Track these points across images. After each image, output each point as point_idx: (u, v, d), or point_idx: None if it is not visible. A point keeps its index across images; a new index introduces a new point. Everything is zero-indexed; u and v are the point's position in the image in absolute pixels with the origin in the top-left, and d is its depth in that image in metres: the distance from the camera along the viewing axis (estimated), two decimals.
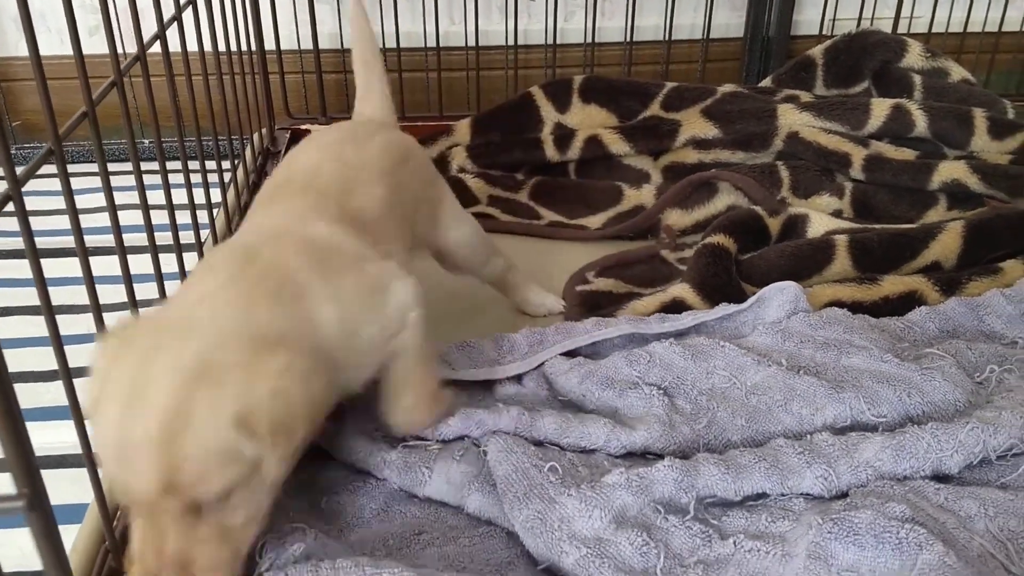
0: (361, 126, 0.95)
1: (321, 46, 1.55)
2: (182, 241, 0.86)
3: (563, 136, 1.38)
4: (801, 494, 0.72)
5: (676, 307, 0.99)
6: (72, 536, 0.63)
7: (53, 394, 0.99)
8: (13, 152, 1.10)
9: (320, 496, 0.77)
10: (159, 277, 0.78)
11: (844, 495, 0.72)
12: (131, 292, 0.69)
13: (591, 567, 0.65)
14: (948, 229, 1.09)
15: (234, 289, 0.62)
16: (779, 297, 0.95)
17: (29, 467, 0.29)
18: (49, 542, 0.31)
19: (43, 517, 0.29)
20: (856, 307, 0.97)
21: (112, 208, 0.66)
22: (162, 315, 0.61)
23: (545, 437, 0.78)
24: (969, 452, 0.73)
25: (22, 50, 1.49)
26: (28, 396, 1.00)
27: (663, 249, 1.19)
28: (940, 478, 0.73)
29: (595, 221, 1.29)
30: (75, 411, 0.56)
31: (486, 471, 0.75)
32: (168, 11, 0.88)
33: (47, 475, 0.40)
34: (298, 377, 0.57)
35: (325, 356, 0.63)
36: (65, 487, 0.81)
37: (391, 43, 1.55)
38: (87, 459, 0.59)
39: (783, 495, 0.73)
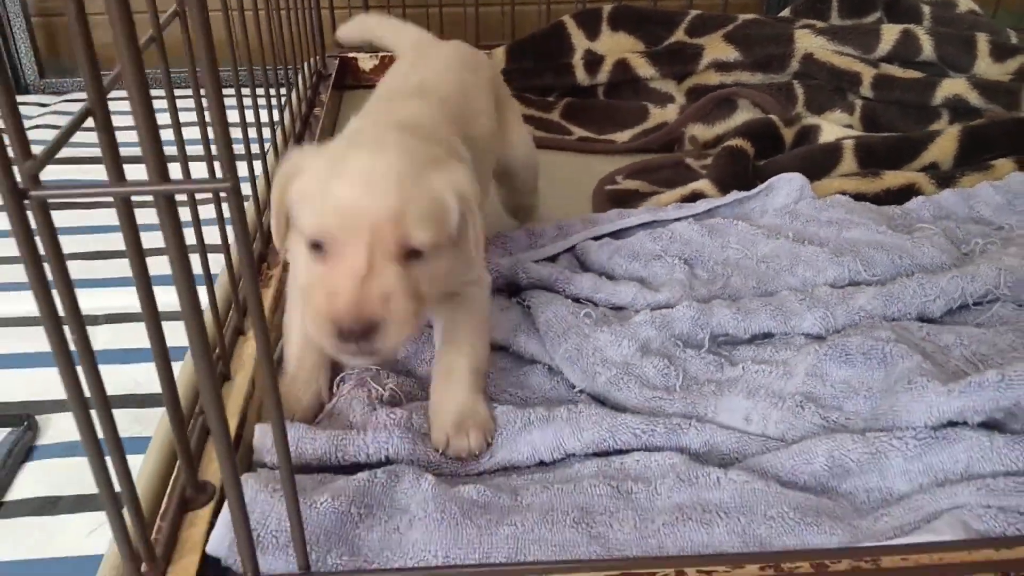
0: (468, 50, 1.03)
1: None
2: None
3: (592, 61, 1.49)
4: (802, 333, 0.84)
5: (694, 199, 1.10)
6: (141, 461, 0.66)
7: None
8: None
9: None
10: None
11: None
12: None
13: (620, 383, 0.78)
14: (946, 133, 1.19)
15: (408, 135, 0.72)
16: (786, 186, 1.06)
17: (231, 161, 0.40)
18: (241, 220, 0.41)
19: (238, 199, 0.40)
20: (859, 197, 1.08)
21: (177, 126, 0.72)
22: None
23: (580, 292, 0.90)
24: (950, 297, 0.84)
25: None
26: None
27: (688, 158, 1.30)
28: (926, 320, 0.85)
29: (623, 136, 1.40)
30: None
31: (529, 320, 0.87)
32: None
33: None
34: (474, 183, 0.69)
35: None
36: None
37: None
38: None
39: (787, 334, 0.84)
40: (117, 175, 0.45)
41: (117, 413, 0.50)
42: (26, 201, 0.39)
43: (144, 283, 0.50)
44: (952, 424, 0.68)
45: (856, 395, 0.74)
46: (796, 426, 0.72)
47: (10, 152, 0.39)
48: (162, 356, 0.54)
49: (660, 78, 1.48)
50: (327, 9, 1.62)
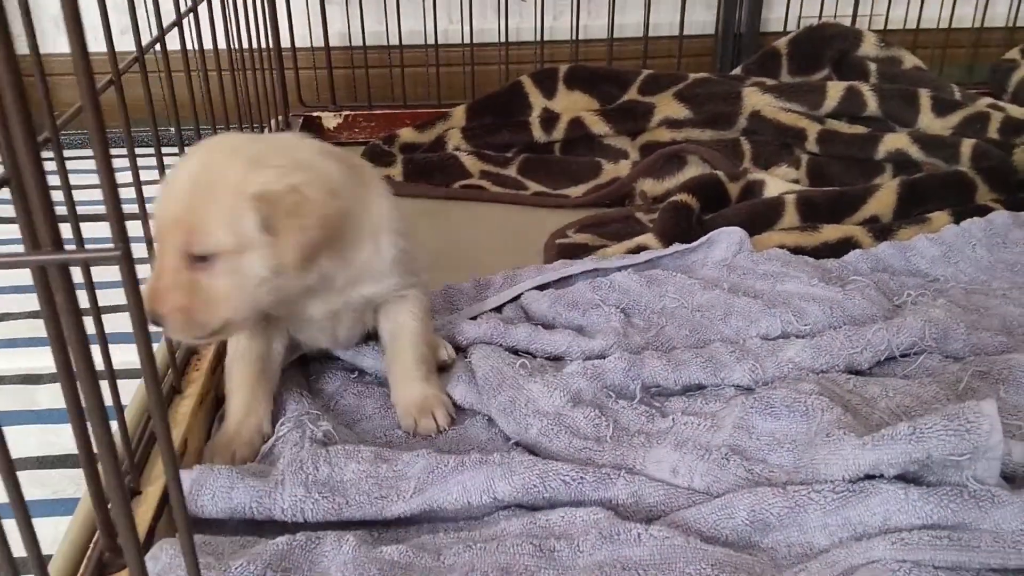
0: None
1: (331, 43, 1.70)
2: None
3: (549, 119, 1.52)
4: (733, 385, 0.85)
5: (639, 251, 1.12)
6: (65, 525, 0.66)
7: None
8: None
9: (330, 399, 0.90)
10: None
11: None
12: None
13: (551, 434, 0.79)
14: (885, 187, 1.23)
15: (318, 148, 0.78)
16: (726, 240, 1.09)
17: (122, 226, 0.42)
18: (133, 288, 0.43)
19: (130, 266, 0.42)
20: (799, 251, 1.10)
21: (137, 183, 0.76)
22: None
23: (517, 344, 0.92)
24: (876, 349, 0.86)
25: (59, 47, 1.64)
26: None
27: (638, 212, 1.33)
28: (854, 372, 0.86)
29: (577, 191, 1.43)
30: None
31: (468, 371, 0.89)
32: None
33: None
34: (321, 197, 0.71)
35: (353, 224, 0.77)
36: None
37: (395, 40, 1.71)
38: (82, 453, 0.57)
39: (717, 386, 0.86)
40: (32, 245, 0.46)
41: (53, 473, 0.50)
42: None
43: (59, 345, 0.51)
44: (870, 477, 0.70)
45: (780, 447, 0.75)
46: (721, 479, 0.73)
47: None
48: (78, 421, 0.55)
49: (614, 135, 1.52)
50: (291, 70, 1.66)
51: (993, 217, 1.14)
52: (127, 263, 0.43)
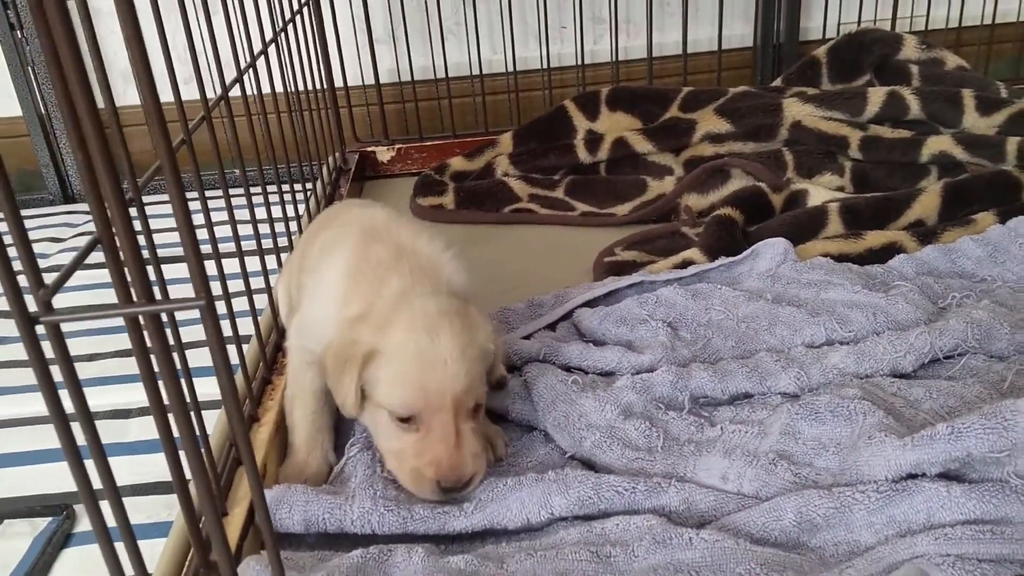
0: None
1: (381, 80, 1.78)
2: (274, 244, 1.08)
3: (593, 140, 1.57)
4: (779, 393, 0.88)
5: (685, 266, 1.16)
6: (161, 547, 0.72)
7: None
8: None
9: None
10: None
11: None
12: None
13: (604, 446, 0.83)
14: (929, 190, 1.24)
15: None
16: (770, 251, 1.11)
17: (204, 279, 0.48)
18: (215, 329, 0.49)
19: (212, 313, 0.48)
20: (842, 258, 1.12)
21: (209, 223, 0.82)
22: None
23: (569, 361, 0.96)
24: (919, 352, 0.88)
25: (128, 99, 1.75)
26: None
27: (683, 227, 1.36)
28: (899, 376, 0.88)
29: (623, 209, 1.47)
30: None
31: (524, 388, 0.93)
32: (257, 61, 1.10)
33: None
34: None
35: None
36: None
37: (441, 73, 1.78)
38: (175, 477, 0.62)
39: (763, 394, 0.89)
40: (125, 297, 0.53)
41: (146, 500, 0.57)
42: (38, 326, 0.47)
43: (151, 383, 0.57)
44: (912, 476, 0.72)
45: (826, 451, 0.78)
46: (769, 483, 0.76)
47: (23, 280, 0.47)
48: (171, 452, 0.61)
49: (657, 152, 1.56)
50: (345, 108, 1.74)
51: None
52: (210, 310, 0.49)
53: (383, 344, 0.77)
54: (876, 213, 1.23)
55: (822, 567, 0.69)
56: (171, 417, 0.60)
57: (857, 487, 0.72)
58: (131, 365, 1.19)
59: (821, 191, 1.33)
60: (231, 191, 0.89)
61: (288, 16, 1.31)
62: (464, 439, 0.77)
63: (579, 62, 1.78)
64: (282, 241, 1.13)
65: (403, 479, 0.79)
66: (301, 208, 1.28)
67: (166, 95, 0.73)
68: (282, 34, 1.25)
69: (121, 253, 0.52)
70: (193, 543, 0.68)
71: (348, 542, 0.77)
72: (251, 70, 1.08)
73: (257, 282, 0.98)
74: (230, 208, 0.89)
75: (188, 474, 0.71)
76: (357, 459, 0.86)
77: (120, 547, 0.56)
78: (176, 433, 0.61)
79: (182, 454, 0.72)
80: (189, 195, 0.52)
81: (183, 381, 0.61)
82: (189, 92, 0.88)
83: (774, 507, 0.73)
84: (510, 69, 1.77)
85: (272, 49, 1.17)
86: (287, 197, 1.18)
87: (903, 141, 1.40)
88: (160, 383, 0.57)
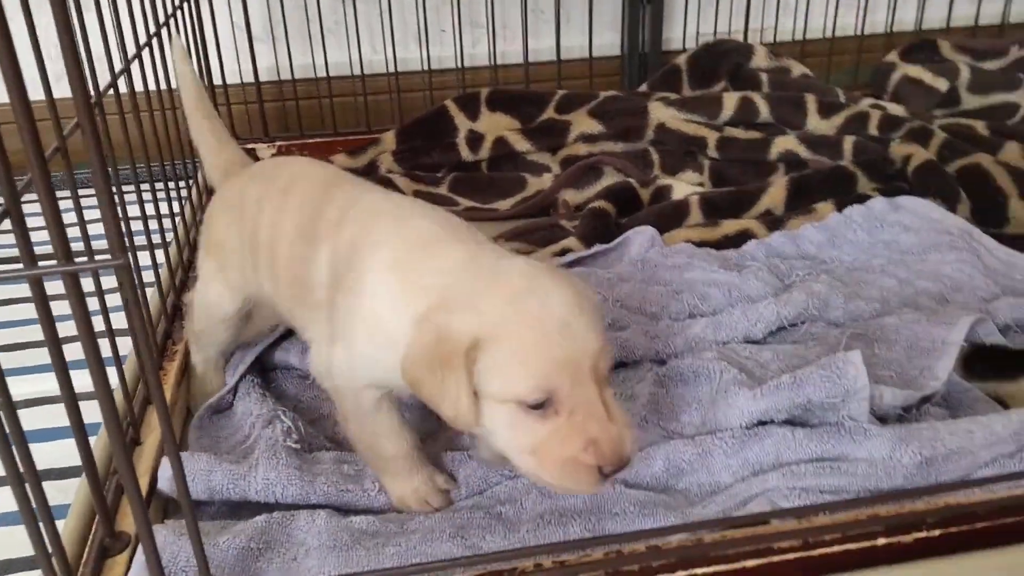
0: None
1: (261, 78, 1.79)
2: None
3: (474, 139, 1.64)
4: (649, 360, 0.97)
5: (563, 254, 1.24)
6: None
7: None
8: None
9: (290, 402, 0.99)
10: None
11: None
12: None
13: None
14: (776, 184, 1.37)
15: None
16: (639, 238, 1.21)
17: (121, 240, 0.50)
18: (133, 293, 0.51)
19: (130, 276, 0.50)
20: (702, 244, 1.23)
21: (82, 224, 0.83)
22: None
23: None
24: (768, 321, 0.99)
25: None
26: None
27: (561, 220, 1.45)
28: (751, 342, 0.99)
29: (505, 204, 1.54)
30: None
31: None
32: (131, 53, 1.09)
33: None
34: None
35: None
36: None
37: (322, 73, 1.80)
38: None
39: (635, 363, 0.97)
40: (29, 258, 0.55)
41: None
42: None
43: (60, 363, 0.60)
44: (763, 423, 0.82)
45: (689, 407, 0.87)
46: (641, 439, 0.84)
47: None
48: (79, 429, 0.63)
49: (536, 151, 1.64)
50: (224, 106, 1.73)
51: (872, 203, 1.28)
52: (127, 274, 0.52)
53: (484, 326, 0.62)
54: (731, 204, 1.35)
55: (688, 505, 0.77)
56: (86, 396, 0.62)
57: (716, 435, 0.81)
58: (13, 358, 1.18)
59: (683, 186, 1.44)
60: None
61: (163, 16, 1.31)
62: (613, 409, 0.63)
63: (458, 65, 1.85)
64: (158, 238, 1.12)
65: (552, 477, 0.64)
66: (176, 207, 1.28)
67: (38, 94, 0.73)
68: (159, 33, 1.25)
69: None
70: (99, 513, 0.70)
71: (251, 511, 0.80)
72: (128, 69, 1.09)
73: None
74: (112, 205, 0.89)
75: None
76: (260, 435, 0.88)
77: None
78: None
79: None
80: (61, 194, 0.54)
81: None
82: (61, 89, 0.87)
83: (645, 456, 0.81)
84: (391, 70, 1.82)
85: (152, 46, 1.17)
86: (167, 194, 1.19)
87: (754, 141, 1.54)
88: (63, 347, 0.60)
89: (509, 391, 0.63)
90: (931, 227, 1.23)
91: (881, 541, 0.69)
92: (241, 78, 1.79)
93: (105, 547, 0.71)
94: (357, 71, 1.81)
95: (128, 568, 0.69)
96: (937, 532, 0.70)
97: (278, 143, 1.76)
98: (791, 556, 0.69)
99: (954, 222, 1.23)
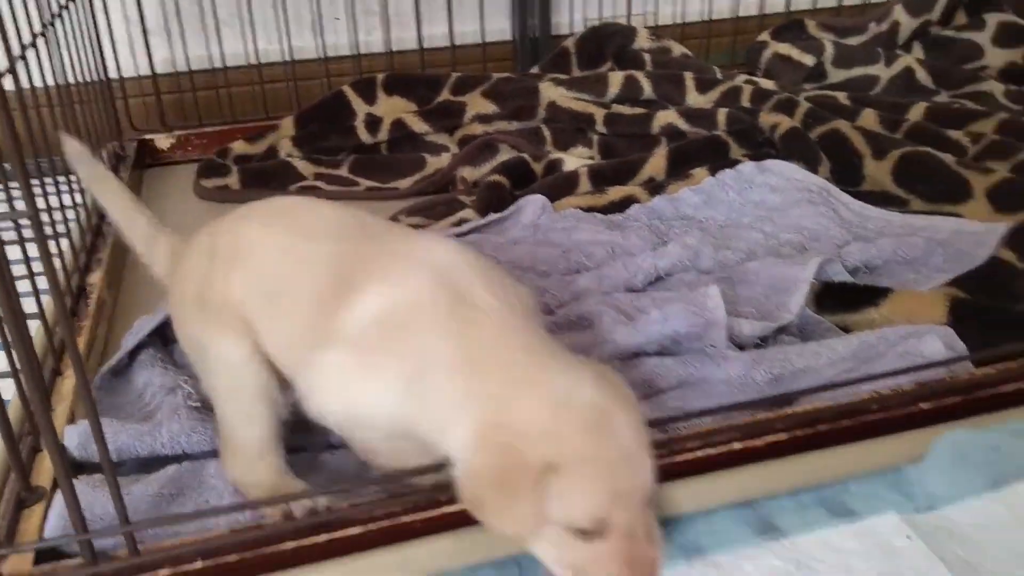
0: None
1: (158, 70, 1.80)
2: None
3: (373, 122, 1.69)
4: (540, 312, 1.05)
5: (461, 224, 1.31)
6: None
7: None
8: None
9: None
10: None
11: None
12: None
13: None
14: (657, 154, 1.48)
15: None
16: (531, 206, 1.29)
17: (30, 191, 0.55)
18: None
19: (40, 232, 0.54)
20: (590, 210, 1.32)
21: None
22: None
23: None
24: (646, 272, 1.08)
25: None
26: None
27: (460, 195, 1.52)
28: (632, 291, 1.08)
29: (405, 183, 1.60)
30: None
31: None
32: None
33: None
34: None
35: None
36: None
37: (218, 64, 1.83)
38: None
39: None
40: None
41: None
42: None
43: None
44: (637, 355, 0.91)
45: (576, 349, 0.95)
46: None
47: None
48: None
49: (433, 132, 1.70)
50: (121, 99, 1.74)
51: (741, 167, 1.40)
52: (37, 228, 0.56)
53: (559, 455, 0.61)
54: (617, 174, 1.45)
55: None
56: None
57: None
58: None
59: (574, 159, 1.53)
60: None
61: (57, 8, 1.32)
62: (653, 533, 0.64)
63: (354, 52, 1.90)
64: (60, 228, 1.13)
65: None
66: (79, 198, 1.30)
67: None
68: (51, 26, 1.27)
69: None
70: (14, 468, 0.74)
71: (159, 468, 0.84)
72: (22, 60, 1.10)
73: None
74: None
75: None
76: (162, 402, 0.92)
77: None
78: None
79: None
80: None
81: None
82: None
83: None
84: (287, 59, 1.85)
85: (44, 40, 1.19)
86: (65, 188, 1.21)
87: (639, 117, 1.64)
88: None
89: (565, 517, 0.62)
90: (794, 186, 1.35)
91: (736, 446, 0.79)
92: (137, 71, 1.80)
93: (21, 499, 0.74)
94: (253, 61, 1.84)
95: (44, 518, 0.73)
96: (784, 436, 0.80)
97: (176, 132, 1.78)
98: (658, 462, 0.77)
99: (814, 181, 1.36)
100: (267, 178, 1.59)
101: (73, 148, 0.91)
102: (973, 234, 1.21)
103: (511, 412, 0.64)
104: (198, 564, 0.68)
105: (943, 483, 0.80)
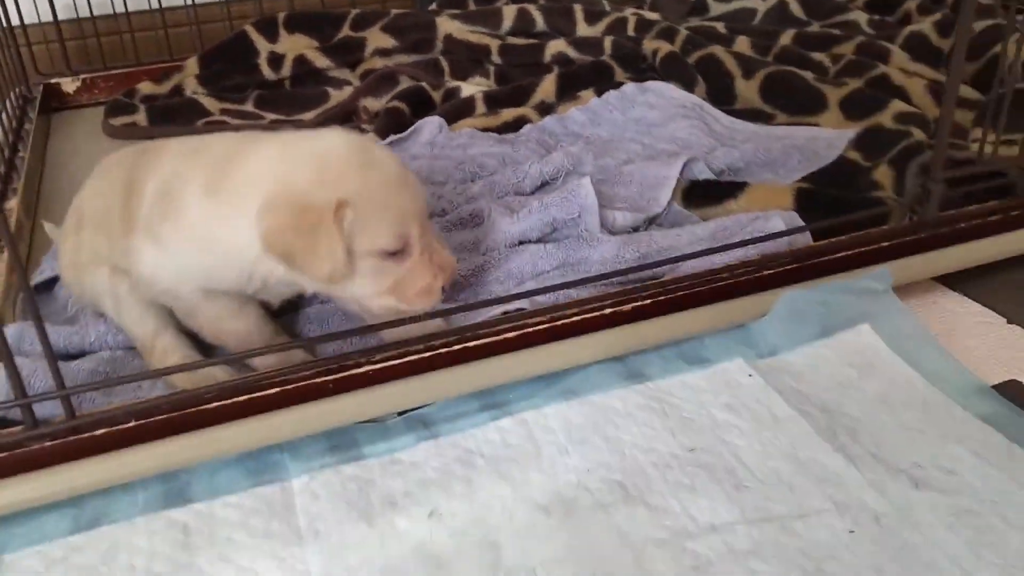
0: None
1: (60, 16, 1.80)
2: None
3: (275, 60, 1.75)
4: (435, 215, 1.15)
5: None
6: None
7: None
8: None
9: None
10: None
11: None
12: None
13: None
14: (548, 79, 1.58)
15: None
16: (429, 127, 1.39)
17: None
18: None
19: None
20: (486, 130, 1.42)
21: None
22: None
23: None
24: (533, 178, 1.19)
25: None
26: None
27: (363, 125, 1.59)
28: (519, 195, 1.19)
29: (309, 116, 1.67)
30: None
31: None
32: None
33: None
34: None
35: None
36: None
37: (120, 8, 1.84)
38: None
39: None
40: None
41: None
42: None
43: None
44: (522, 243, 1.02)
45: (467, 243, 1.06)
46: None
47: None
48: None
49: (336, 68, 1.77)
50: (24, 46, 1.75)
51: (624, 88, 1.51)
52: None
53: (344, 193, 0.73)
54: (511, 97, 1.55)
55: (468, 314, 0.96)
56: None
57: (487, 255, 1.00)
58: None
59: (471, 87, 1.62)
60: None
61: None
62: (442, 242, 0.83)
63: None
64: None
65: (411, 303, 0.80)
66: None
67: None
68: None
69: None
70: None
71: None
72: None
73: None
74: None
75: None
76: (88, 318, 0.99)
77: None
78: None
79: None
80: None
81: None
82: None
83: None
84: (189, 2, 1.88)
85: None
86: None
87: (531, 47, 1.74)
88: None
89: (375, 244, 0.75)
90: (671, 104, 1.47)
91: (608, 311, 0.90)
92: (39, 17, 1.81)
93: None
94: (156, 5, 1.86)
95: None
96: (648, 301, 0.92)
97: (82, 76, 1.80)
98: (542, 328, 0.89)
99: (689, 98, 1.48)
100: (174, 114, 1.64)
101: None
102: (826, 139, 1.35)
103: (285, 179, 0.74)
104: (131, 423, 0.76)
105: (782, 334, 0.94)
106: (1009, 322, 1.00)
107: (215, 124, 1.63)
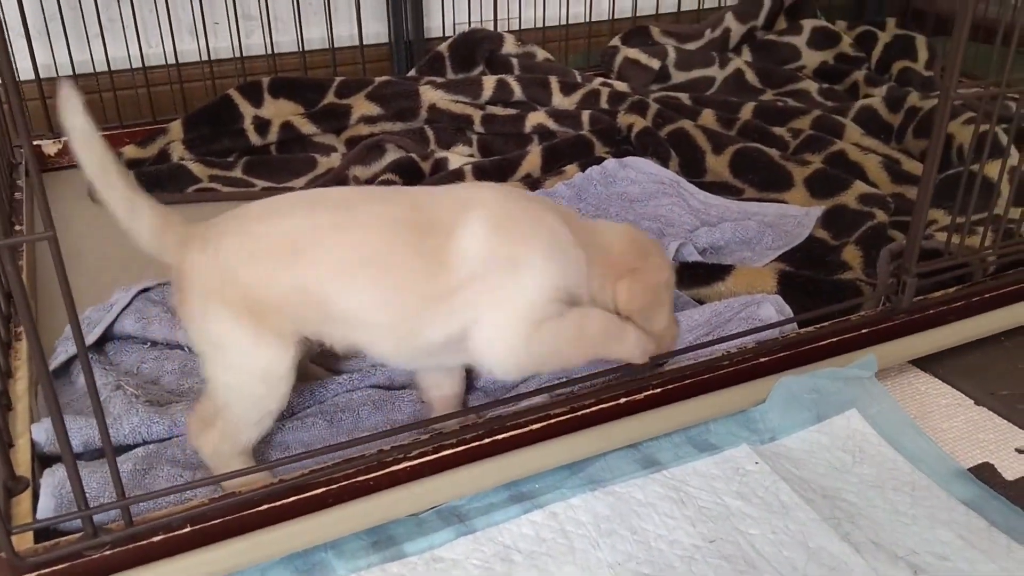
0: None
1: (41, 75, 1.80)
2: None
3: (261, 125, 1.78)
4: None
5: None
6: None
7: None
8: None
9: (132, 367, 1.12)
10: None
11: None
12: None
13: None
14: (532, 152, 1.66)
15: None
16: None
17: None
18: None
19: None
20: None
21: None
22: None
23: None
24: None
25: None
26: None
27: None
28: None
29: (299, 183, 1.70)
30: None
31: None
32: None
33: None
34: None
35: None
36: None
37: (102, 67, 1.85)
38: None
39: None
40: None
41: None
42: None
43: None
44: None
45: None
46: None
47: None
48: None
49: (322, 133, 1.81)
50: (6, 104, 1.74)
51: (606, 164, 1.60)
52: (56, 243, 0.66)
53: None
54: (498, 170, 1.62)
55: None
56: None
57: None
58: None
59: (457, 158, 1.69)
60: None
61: None
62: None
63: (236, 55, 1.96)
64: None
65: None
66: None
67: None
68: None
69: None
70: (1, 460, 0.83)
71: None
72: None
73: None
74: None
75: None
76: (111, 400, 1.01)
77: None
78: None
79: None
80: None
81: None
82: None
83: None
84: (171, 62, 1.90)
85: None
86: None
87: (512, 117, 1.82)
88: None
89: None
90: (650, 179, 1.56)
91: (622, 400, 0.97)
92: (18, 76, 1.80)
93: (8, 488, 0.83)
94: (137, 64, 1.87)
95: (36, 502, 0.83)
96: (659, 390, 0.99)
97: (63, 138, 1.79)
98: (564, 418, 0.95)
99: (667, 174, 1.58)
100: (162, 182, 1.65)
101: (68, 94, 0.78)
102: (795, 217, 1.46)
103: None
104: (187, 528, 0.79)
105: (780, 419, 1.02)
106: (977, 403, 1.10)
107: (204, 191, 1.66)
